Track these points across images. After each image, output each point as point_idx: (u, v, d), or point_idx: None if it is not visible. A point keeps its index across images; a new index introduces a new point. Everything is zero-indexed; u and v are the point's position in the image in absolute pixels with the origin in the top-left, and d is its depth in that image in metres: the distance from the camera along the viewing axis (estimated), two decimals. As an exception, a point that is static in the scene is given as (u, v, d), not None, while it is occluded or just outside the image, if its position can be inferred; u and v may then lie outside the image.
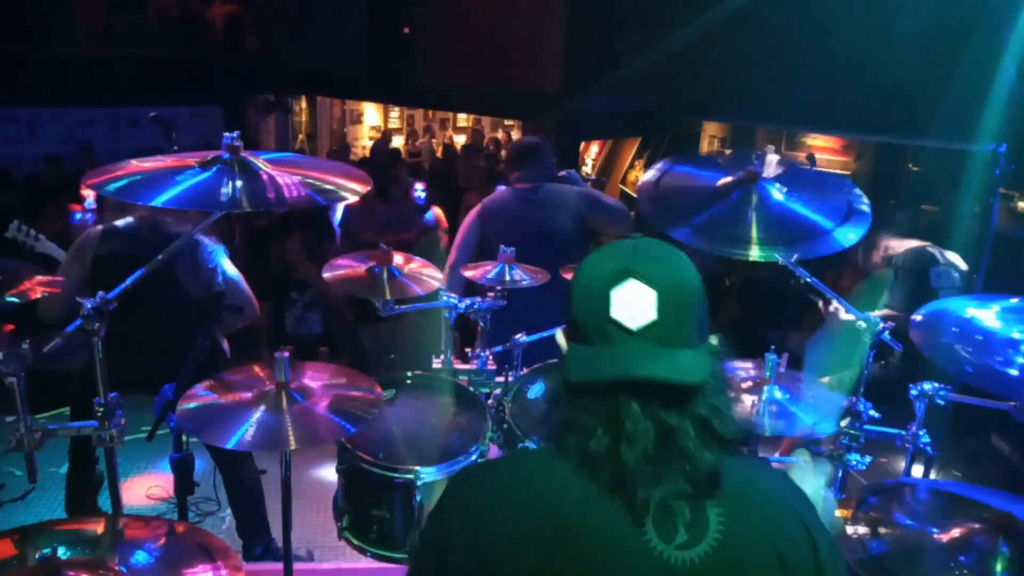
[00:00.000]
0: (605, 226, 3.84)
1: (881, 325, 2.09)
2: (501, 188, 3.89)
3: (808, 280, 2.11)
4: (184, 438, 2.05)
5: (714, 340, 1.13)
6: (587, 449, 1.03)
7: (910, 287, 3.65)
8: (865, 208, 2.12)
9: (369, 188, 1.96)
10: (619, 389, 1.04)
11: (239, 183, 1.79)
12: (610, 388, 1.04)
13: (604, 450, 1.02)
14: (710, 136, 10.70)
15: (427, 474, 2.13)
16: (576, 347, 1.10)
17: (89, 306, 1.82)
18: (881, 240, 3.92)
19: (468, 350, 2.76)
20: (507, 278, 2.72)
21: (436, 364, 2.71)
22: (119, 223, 2.95)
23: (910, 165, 8.81)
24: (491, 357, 2.73)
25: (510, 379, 2.64)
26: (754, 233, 1.99)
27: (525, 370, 2.69)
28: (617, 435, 1.02)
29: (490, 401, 2.54)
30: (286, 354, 2.02)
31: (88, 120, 9.73)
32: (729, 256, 2.05)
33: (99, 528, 1.75)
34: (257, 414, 1.92)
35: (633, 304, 1.05)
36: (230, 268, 3.02)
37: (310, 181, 1.90)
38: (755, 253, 1.96)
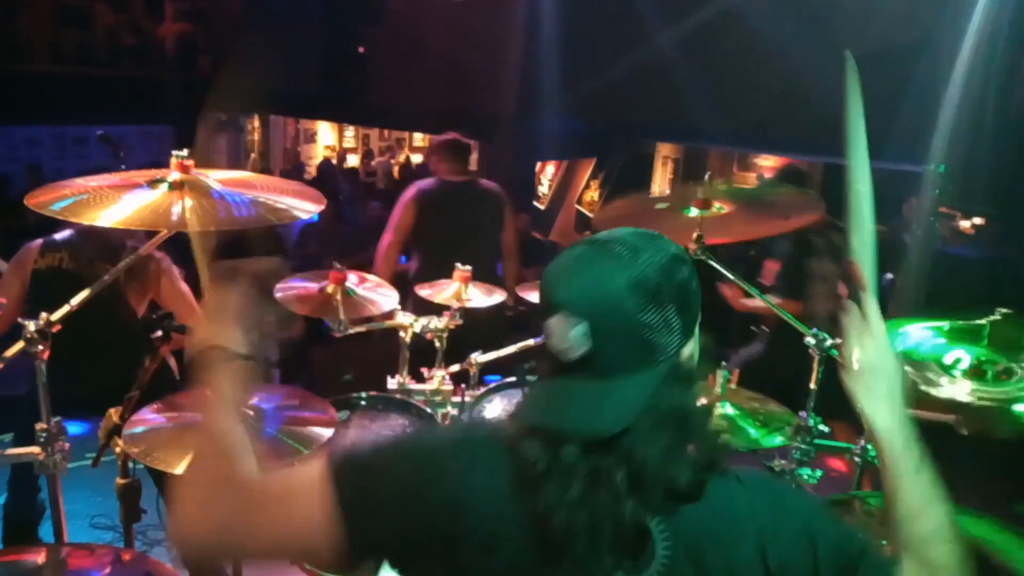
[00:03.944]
0: (511, 220, 4.17)
1: (829, 341, 2.14)
2: (432, 179, 4.09)
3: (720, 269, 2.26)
4: (131, 463, 1.99)
5: (688, 349, 1.05)
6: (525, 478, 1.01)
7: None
8: None
9: (323, 206, 1.94)
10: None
11: (188, 202, 1.76)
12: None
13: (539, 486, 0.99)
14: (663, 157, 10.86)
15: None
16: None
17: (32, 328, 1.77)
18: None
19: (424, 370, 2.75)
20: (464, 296, 2.72)
21: (391, 384, 2.69)
22: (58, 236, 2.87)
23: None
24: (448, 376, 2.72)
25: (467, 399, 2.63)
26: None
27: (482, 389, 2.68)
28: (548, 476, 0.99)
29: (446, 421, 2.53)
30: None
31: (33, 139, 9.50)
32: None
33: (40, 558, 1.69)
34: (207, 437, 1.88)
35: (564, 337, 1.01)
36: (179, 284, 2.96)
37: (262, 200, 1.87)
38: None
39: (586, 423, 0.99)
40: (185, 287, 2.96)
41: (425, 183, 4.04)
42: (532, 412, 1.06)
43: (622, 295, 0.99)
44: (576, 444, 0.99)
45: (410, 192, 4.00)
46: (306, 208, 1.88)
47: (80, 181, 1.84)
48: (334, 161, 12.83)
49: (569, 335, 1.00)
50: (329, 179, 10.24)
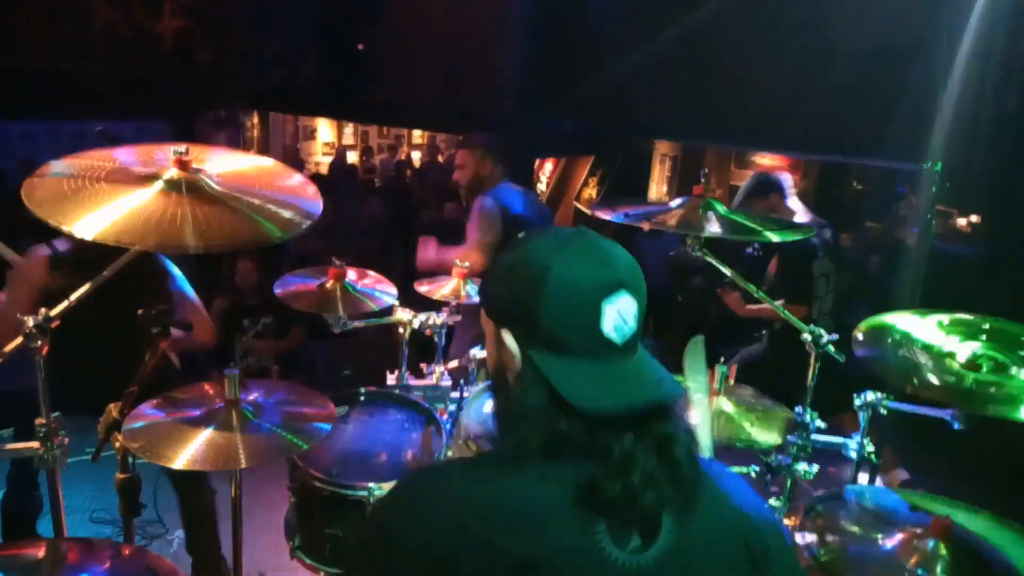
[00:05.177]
0: None
1: (825, 337, 2.15)
2: (505, 186, 3.68)
3: (720, 267, 2.24)
4: (130, 458, 2.00)
5: None
6: (594, 478, 0.98)
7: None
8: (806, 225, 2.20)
9: (319, 204, 1.93)
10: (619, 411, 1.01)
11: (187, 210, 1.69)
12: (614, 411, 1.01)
13: (613, 478, 0.98)
14: (661, 154, 10.87)
15: (381, 491, 2.11)
16: (552, 360, 1.03)
17: (31, 323, 1.78)
18: (773, 198, 3.84)
19: (423, 365, 2.76)
20: (462, 293, 2.73)
21: (390, 380, 2.70)
22: (61, 246, 2.82)
23: (854, 184, 9.08)
24: (447, 372, 2.73)
25: (466, 394, 2.64)
26: (705, 225, 2.10)
27: (481, 384, 2.69)
28: (621, 460, 0.99)
29: (445, 416, 2.53)
30: (236, 371, 1.99)
31: (29, 134, 9.47)
32: (686, 237, 2.14)
33: (39, 552, 1.70)
34: (207, 432, 1.89)
35: (622, 317, 1.02)
36: (184, 287, 2.93)
37: (265, 205, 1.83)
38: (704, 233, 2.08)
39: (678, 388, 1.05)
40: (189, 290, 2.94)
41: (504, 191, 3.60)
42: (615, 393, 1.01)
43: (641, 277, 1.06)
44: (644, 421, 1.01)
45: (489, 202, 3.53)
46: (305, 210, 1.85)
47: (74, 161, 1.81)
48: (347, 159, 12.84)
49: (630, 314, 1.03)
50: (342, 176, 10.25)
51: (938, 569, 1.68)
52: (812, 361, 2.17)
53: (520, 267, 1.06)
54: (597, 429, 1.00)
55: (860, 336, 2.20)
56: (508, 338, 1.07)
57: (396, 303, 2.63)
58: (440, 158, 13.33)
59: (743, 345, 4.09)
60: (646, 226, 2.10)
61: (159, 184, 1.76)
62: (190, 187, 1.77)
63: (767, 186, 3.83)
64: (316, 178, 10.35)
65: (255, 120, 12.90)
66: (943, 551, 1.71)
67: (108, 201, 1.67)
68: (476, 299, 2.79)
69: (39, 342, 1.80)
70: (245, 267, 4.99)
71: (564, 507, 0.99)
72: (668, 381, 1.06)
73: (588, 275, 1.02)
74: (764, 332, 3.92)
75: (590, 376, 1.02)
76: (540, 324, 1.03)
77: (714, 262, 2.23)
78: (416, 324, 2.64)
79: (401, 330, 2.65)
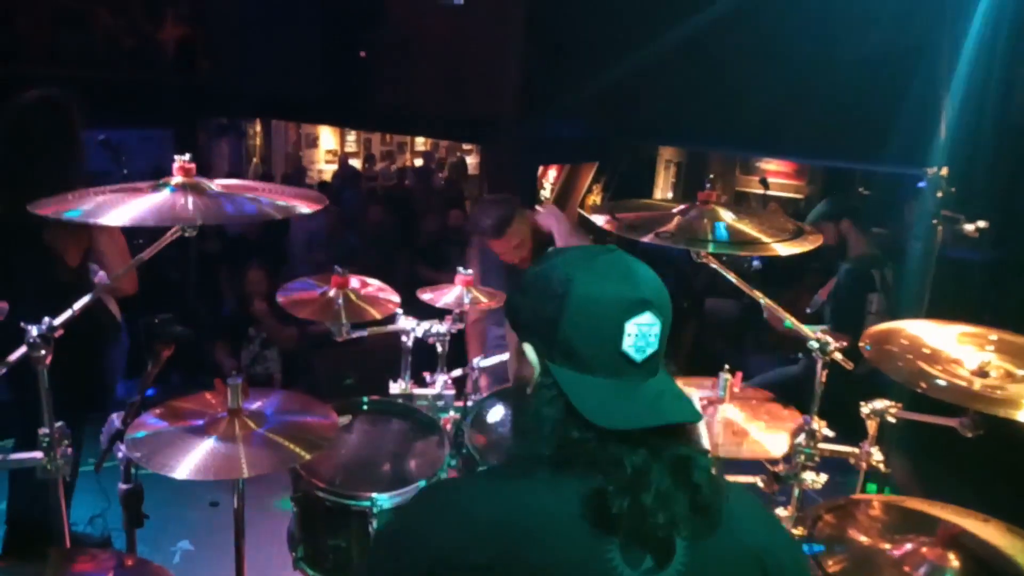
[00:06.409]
0: None
1: (833, 345, 2.13)
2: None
3: (725, 274, 2.17)
4: (133, 469, 1.99)
5: None
6: (602, 491, 0.98)
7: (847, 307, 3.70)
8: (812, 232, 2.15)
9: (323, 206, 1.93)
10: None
11: (191, 200, 1.74)
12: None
13: (622, 492, 0.97)
14: (666, 160, 10.88)
15: (384, 501, 2.10)
16: (571, 375, 1.03)
17: (35, 332, 1.77)
18: (844, 224, 3.95)
19: (426, 374, 2.74)
20: (465, 301, 2.72)
21: (393, 389, 2.68)
22: None
23: (860, 189, 9.06)
24: (449, 381, 2.71)
25: (469, 403, 2.62)
26: (710, 236, 2.04)
27: (484, 393, 2.68)
28: (631, 476, 0.98)
29: (448, 426, 2.52)
30: (239, 380, 1.98)
31: (32, 142, 9.46)
32: (688, 250, 2.05)
33: (43, 563, 1.69)
34: (209, 442, 1.88)
35: (644, 337, 1.01)
36: (113, 230, 2.80)
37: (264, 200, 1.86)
38: (710, 249, 2.01)
39: (697, 412, 1.04)
40: (119, 233, 2.85)
41: None
42: (630, 413, 1.01)
43: (667, 297, 1.05)
44: (661, 442, 1.00)
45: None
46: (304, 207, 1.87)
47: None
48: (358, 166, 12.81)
49: (653, 333, 1.02)
50: (346, 185, 10.24)
51: (948, 579, 1.66)
52: (819, 367, 2.15)
53: (544, 280, 1.06)
54: (610, 444, 0.99)
55: (867, 346, 2.16)
56: (529, 351, 1.08)
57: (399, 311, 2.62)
58: (443, 165, 13.35)
59: (748, 350, 4.07)
60: (647, 238, 2.03)
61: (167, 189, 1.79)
62: (195, 188, 1.80)
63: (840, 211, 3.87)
64: (320, 186, 10.35)
65: (257, 128, 12.93)
66: (952, 560, 1.69)
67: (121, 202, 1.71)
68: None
69: (43, 351, 1.79)
70: (256, 276, 4.97)
71: (575, 521, 0.98)
72: (687, 404, 1.05)
73: (611, 292, 1.02)
74: (801, 355, 3.86)
75: (608, 393, 1.02)
76: (561, 338, 1.03)
77: (720, 269, 2.21)
78: (420, 332, 2.62)
79: (404, 338, 2.63)
